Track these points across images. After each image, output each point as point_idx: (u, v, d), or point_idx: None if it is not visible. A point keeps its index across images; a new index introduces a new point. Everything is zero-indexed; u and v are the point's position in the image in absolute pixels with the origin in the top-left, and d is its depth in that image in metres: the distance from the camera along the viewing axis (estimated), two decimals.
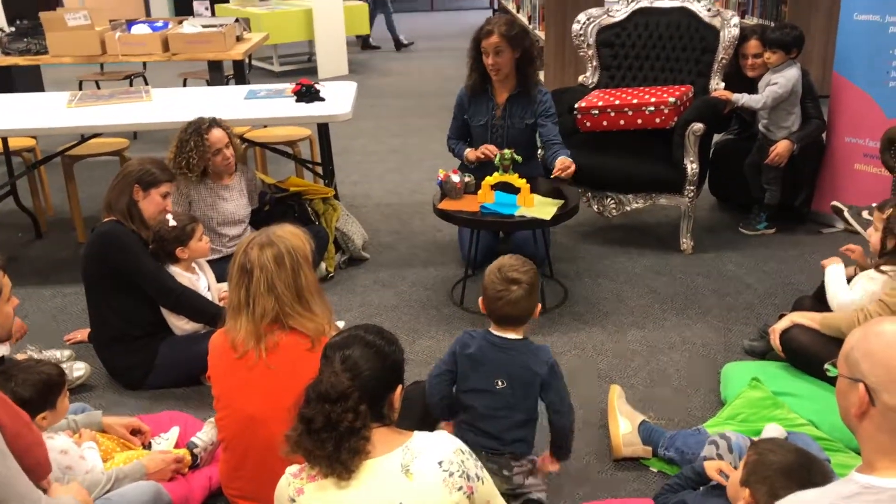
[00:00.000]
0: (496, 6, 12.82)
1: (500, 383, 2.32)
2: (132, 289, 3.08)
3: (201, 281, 3.25)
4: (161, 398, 3.16)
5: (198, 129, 3.62)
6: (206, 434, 2.60)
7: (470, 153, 4.00)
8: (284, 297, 2.21)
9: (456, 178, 3.73)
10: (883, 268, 2.79)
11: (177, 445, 2.63)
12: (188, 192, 3.71)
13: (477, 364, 2.34)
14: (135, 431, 2.62)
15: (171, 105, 4.40)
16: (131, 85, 6.75)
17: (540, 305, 2.37)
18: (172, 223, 3.14)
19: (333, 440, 1.65)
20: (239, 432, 2.25)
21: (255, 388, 2.21)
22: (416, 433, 1.77)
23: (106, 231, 3.11)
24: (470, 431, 2.35)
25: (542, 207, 3.59)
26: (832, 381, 1.56)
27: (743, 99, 4.22)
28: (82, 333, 3.54)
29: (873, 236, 2.88)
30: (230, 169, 3.73)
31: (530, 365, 2.32)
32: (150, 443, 2.63)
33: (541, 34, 7.57)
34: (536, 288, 2.34)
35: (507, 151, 3.65)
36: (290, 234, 2.27)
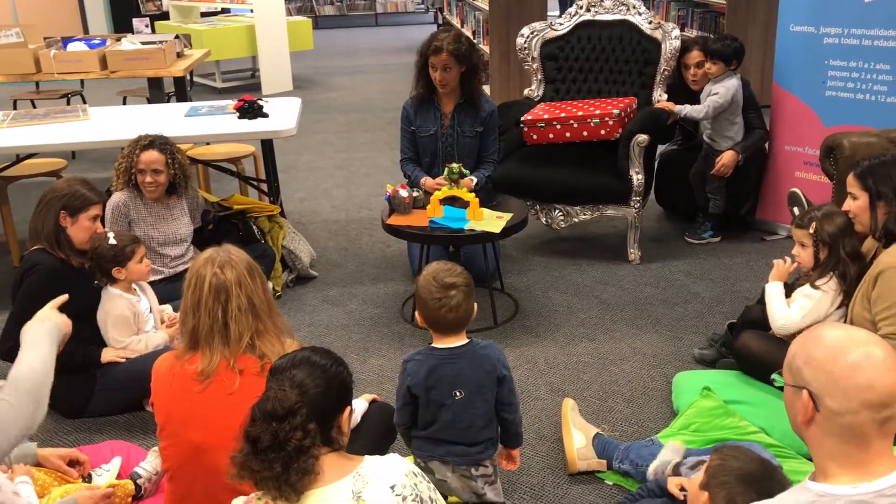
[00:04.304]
0: (440, 21, 12.86)
1: (457, 394, 2.29)
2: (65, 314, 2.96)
3: (142, 303, 3.15)
4: (103, 427, 3.05)
5: (138, 141, 3.57)
6: (150, 463, 2.50)
7: (428, 182, 3.90)
8: (262, 312, 2.16)
9: (404, 193, 3.70)
10: (817, 282, 2.81)
11: (119, 476, 2.52)
12: (127, 212, 3.60)
13: (431, 386, 2.30)
14: (73, 463, 2.51)
15: (110, 123, 4.29)
16: (68, 104, 6.57)
17: (476, 305, 2.35)
18: (112, 241, 3.02)
19: (281, 460, 1.59)
20: (185, 462, 2.17)
21: (203, 415, 2.13)
22: (367, 458, 1.72)
23: (27, 262, 2.99)
24: (436, 444, 2.33)
25: (492, 221, 3.57)
26: (782, 390, 1.56)
27: (685, 110, 4.28)
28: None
29: (802, 254, 2.89)
30: (149, 194, 3.60)
31: (483, 366, 2.31)
32: (90, 475, 2.52)
33: (485, 48, 7.60)
34: (472, 289, 2.33)
35: (454, 165, 3.63)
36: (241, 252, 2.23)
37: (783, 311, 2.87)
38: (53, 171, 4.78)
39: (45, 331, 2.06)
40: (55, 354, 2.06)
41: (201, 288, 2.13)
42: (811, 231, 2.82)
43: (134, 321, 3.09)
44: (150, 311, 3.17)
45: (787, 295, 2.93)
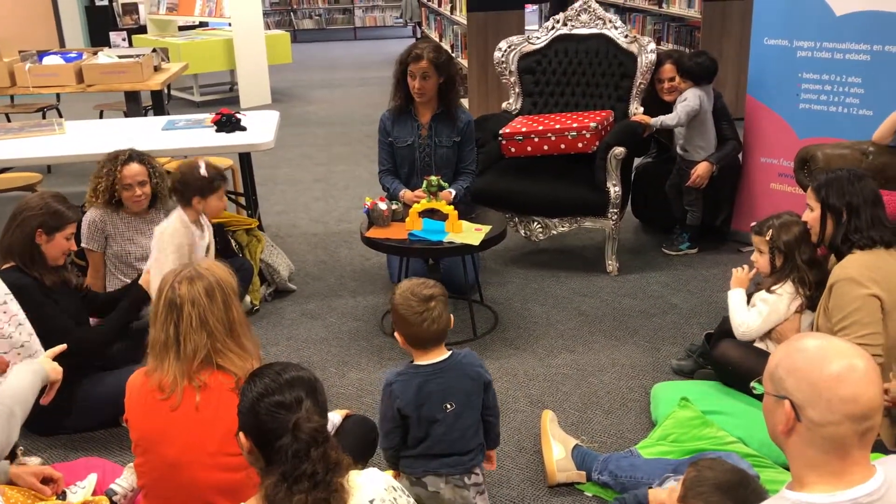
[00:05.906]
0: (419, 35, 12.91)
1: (448, 406, 2.29)
2: (39, 330, 2.92)
3: (204, 239, 3.33)
4: (78, 444, 3.02)
5: (115, 158, 3.55)
6: (125, 480, 2.47)
7: (407, 195, 3.90)
8: (217, 333, 2.11)
9: (383, 206, 3.70)
10: (773, 287, 2.90)
11: (95, 493, 2.49)
12: (104, 227, 3.58)
13: (421, 403, 2.29)
14: (46, 480, 2.47)
15: (86, 137, 4.27)
16: (44, 117, 6.52)
17: (451, 315, 2.35)
18: (203, 173, 3.20)
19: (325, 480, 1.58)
20: (160, 478, 2.15)
21: (178, 431, 2.11)
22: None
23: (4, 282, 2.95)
24: (429, 460, 2.32)
25: (471, 233, 3.58)
26: (760, 398, 1.57)
27: (660, 119, 4.32)
28: None
29: (759, 260, 2.98)
30: (138, 207, 3.59)
31: (469, 375, 2.33)
32: (64, 492, 2.48)
33: (464, 62, 7.64)
34: (447, 298, 2.34)
35: (433, 178, 3.64)
36: (215, 267, 2.20)
37: (744, 318, 2.95)
38: (28, 186, 4.75)
39: (31, 370, 2.24)
40: (36, 391, 2.19)
41: (158, 301, 2.14)
42: (767, 238, 2.91)
43: (187, 252, 3.23)
44: (207, 252, 3.34)
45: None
